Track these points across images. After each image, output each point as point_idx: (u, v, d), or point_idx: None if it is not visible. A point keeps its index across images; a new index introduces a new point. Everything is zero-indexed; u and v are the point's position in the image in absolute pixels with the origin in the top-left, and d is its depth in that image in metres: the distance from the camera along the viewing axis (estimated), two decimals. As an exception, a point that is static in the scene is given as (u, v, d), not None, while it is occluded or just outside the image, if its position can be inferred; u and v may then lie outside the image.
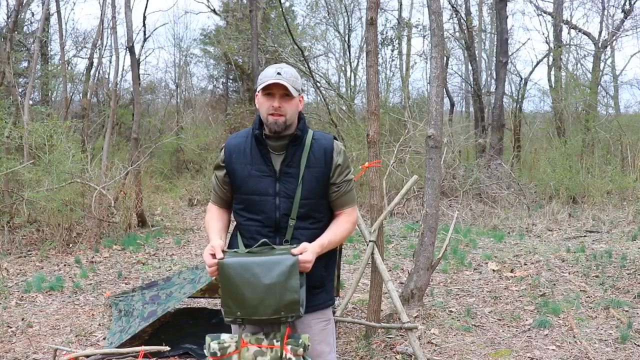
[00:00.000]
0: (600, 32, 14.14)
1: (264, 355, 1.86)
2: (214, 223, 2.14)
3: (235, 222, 2.17)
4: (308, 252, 1.88)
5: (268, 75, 1.97)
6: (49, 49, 14.88)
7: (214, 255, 1.88)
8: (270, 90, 1.97)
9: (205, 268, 4.08)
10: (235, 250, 1.96)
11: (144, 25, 12.71)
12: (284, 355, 1.84)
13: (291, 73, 1.99)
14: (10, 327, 4.40)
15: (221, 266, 1.85)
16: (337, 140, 2.10)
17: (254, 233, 2.03)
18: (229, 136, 2.18)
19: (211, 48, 19.14)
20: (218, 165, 2.12)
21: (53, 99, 15.23)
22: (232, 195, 2.12)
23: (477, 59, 16.01)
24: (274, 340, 1.86)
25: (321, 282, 2.06)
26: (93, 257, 6.93)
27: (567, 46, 15.45)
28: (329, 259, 2.10)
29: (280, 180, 2.00)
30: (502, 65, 12.25)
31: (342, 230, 2.07)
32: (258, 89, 2.01)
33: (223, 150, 2.10)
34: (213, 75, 20.39)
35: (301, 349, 1.85)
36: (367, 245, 3.76)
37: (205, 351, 1.89)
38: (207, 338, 1.90)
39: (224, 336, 1.91)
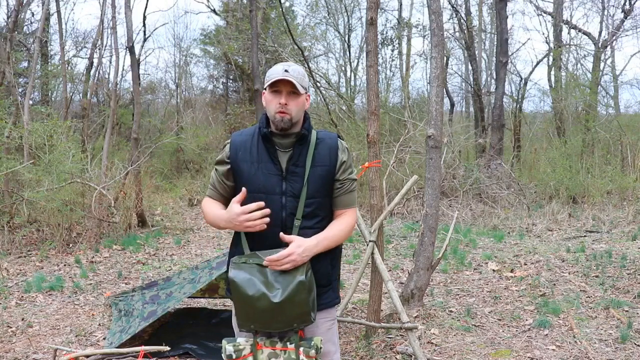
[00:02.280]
0: (600, 32, 14.15)
1: (277, 357, 1.90)
2: (216, 206, 2.11)
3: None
4: (300, 248, 1.89)
5: (276, 72, 1.97)
6: (49, 49, 14.88)
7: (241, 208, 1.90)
8: (278, 87, 1.97)
9: (205, 268, 4.08)
10: (245, 260, 1.93)
11: (144, 25, 12.74)
12: (299, 358, 1.89)
13: (299, 71, 1.99)
14: (10, 327, 4.40)
15: (231, 282, 1.89)
16: (341, 138, 2.11)
17: (259, 233, 2.00)
18: (234, 133, 2.16)
19: (211, 48, 19.16)
20: (221, 160, 2.09)
21: (53, 99, 15.22)
22: (232, 192, 2.10)
23: (477, 59, 16.02)
24: (288, 343, 1.90)
25: (328, 279, 2.07)
26: (93, 257, 6.93)
27: (567, 46, 15.44)
28: (335, 256, 2.10)
29: (287, 179, 1.99)
30: (502, 65, 12.25)
31: (341, 229, 2.05)
32: (265, 86, 2.01)
33: (228, 146, 2.09)
34: (213, 75, 20.40)
35: (313, 351, 1.89)
36: (367, 245, 3.76)
37: (222, 355, 1.94)
38: (224, 341, 1.95)
39: (240, 339, 1.95)
